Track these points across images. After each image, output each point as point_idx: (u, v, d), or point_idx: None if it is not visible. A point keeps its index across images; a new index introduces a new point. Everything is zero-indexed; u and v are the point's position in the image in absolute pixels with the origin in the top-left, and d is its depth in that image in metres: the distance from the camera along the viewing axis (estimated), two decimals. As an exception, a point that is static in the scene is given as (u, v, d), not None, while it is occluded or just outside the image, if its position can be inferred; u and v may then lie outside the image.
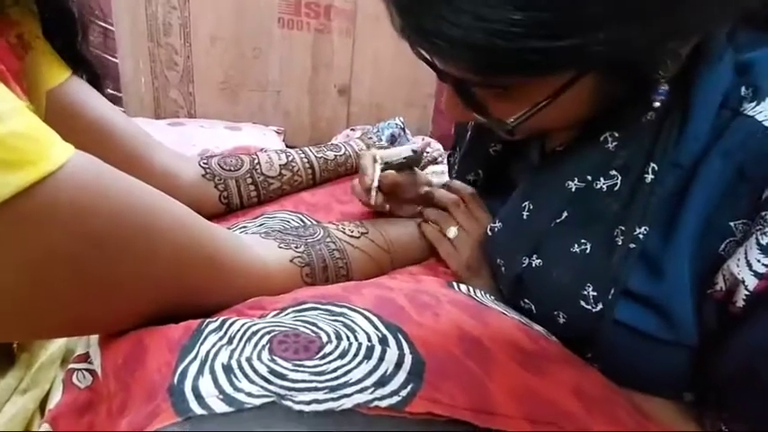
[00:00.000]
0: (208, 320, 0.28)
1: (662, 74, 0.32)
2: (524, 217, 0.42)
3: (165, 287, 0.30)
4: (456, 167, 0.55)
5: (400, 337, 0.28)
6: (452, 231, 0.48)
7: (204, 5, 1.57)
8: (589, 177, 0.37)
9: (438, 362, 0.26)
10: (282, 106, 1.72)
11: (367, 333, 0.27)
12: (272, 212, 0.55)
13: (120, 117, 0.49)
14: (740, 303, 0.30)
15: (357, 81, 1.76)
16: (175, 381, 0.24)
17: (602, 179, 0.37)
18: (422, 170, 0.64)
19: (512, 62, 0.27)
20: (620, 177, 0.36)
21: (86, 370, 0.37)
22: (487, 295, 0.42)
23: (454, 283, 0.43)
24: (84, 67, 0.46)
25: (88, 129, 0.45)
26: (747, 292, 0.29)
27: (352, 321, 0.28)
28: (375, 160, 0.51)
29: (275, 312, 0.30)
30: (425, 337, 0.28)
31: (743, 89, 0.32)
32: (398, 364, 0.25)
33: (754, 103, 0.31)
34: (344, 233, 0.46)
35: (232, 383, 0.23)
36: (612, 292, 0.34)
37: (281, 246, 0.40)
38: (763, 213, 0.29)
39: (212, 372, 0.23)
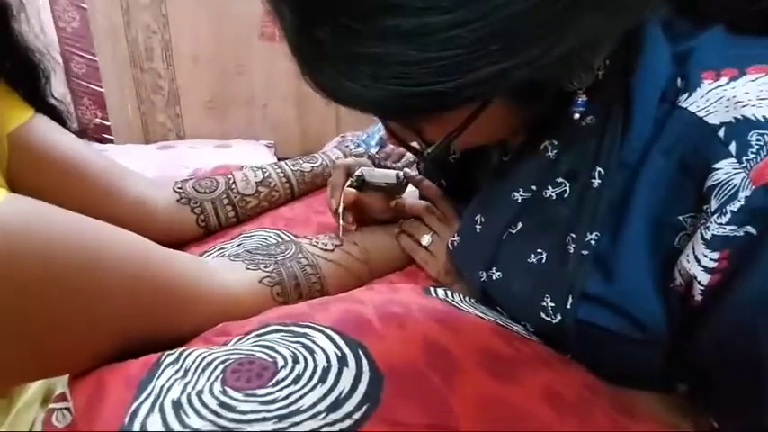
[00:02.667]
0: (167, 353, 0.28)
1: (576, 85, 0.31)
2: (477, 230, 0.41)
3: (122, 323, 0.29)
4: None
5: (361, 353, 0.27)
6: (426, 239, 0.48)
7: (183, 27, 1.58)
8: (534, 187, 0.37)
9: (398, 378, 0.25)
10: (270, 119, 1.72)
11: (326, 353, 0.27)
12: (250, 231, 0.55)
13: (88, 151, 0.48)
14: (698, 297, 0.29)
15: (343, 87, 1.75)
16: (127, 420, 0.23)
17: (550, 187, 0.36)
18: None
19: (401, 109, 0.28)
20: (568, 184, 0.35)
21: (65, 409, 0.36)
22: (467, 298, 0.42)
23: (431, 289, 0.42)
24: (48, 112, 0.46)
25: (55, 167, 0.45)
26: (702, 287, 0.28)
27: (313, 341, 0.28)
28: (348, 177, 0.49)
29: (238, 338, 0.30)
30: (388, 351, 0.28)
31: (678, 81, 0.31)
32: (354, 385, 0.24)
33: (686, 95, 0.30)
34: (318, 247, 0.45)
35: (181, 420, 0.22)
36: (570, 301, 0.33)
37: (250, 267, 0.39)
38: (705, 207, 0.28)
39: (162, 409, 0.23)
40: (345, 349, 0.27)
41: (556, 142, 0.36)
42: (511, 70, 0.25)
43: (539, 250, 0.36)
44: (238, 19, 1.59)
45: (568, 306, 0.33)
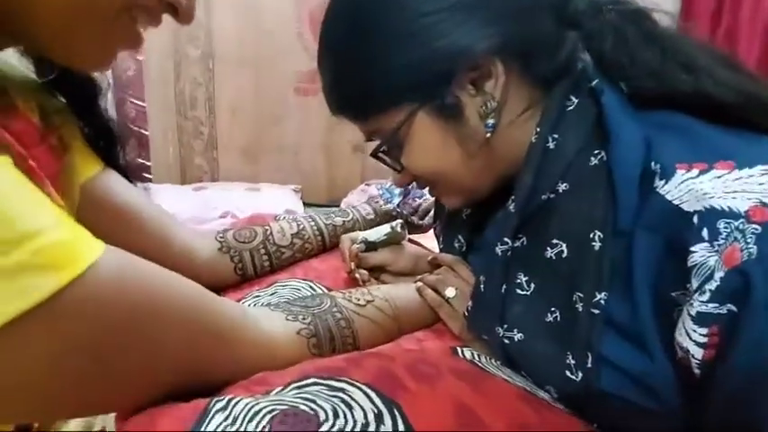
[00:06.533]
0: (216, 399, 0.30)
1: (485, 110, 0.41)
2: (482, 290, 0.44)
3: (175, 366, 0.32)
4: (441, 237, 0.58)
5: (396, 412, 0.29)
6: (450, 291, 0.50)
7: (227, 80, 1.71)
8: (506, 239, 0.41)
9: (431, 438, 0.27)
10: (300, 166, 1.81)
11: (364, 409, 0.29)
12: (284, 281, 0.57)
13: (145, 202, 0.53)
14: (696, 371, 0.30)
15: (370, 139, 1.84)
16: (181, 463, 0.25)
17: (548, 249, 0.39)
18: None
19: (346, 108, 0.45)
20: (564, 244, 0.38)
21: (104, 446, 0.38)
22: (492, 361, 0.43)
23: (458, 349, 0.43)
24: (118, 171, 0.51)
25: (117, 216, 0.50)
26: (697, 361, 0.30)
27: (350, 397, 0.30)
28: (353, 242, 0.57)
29: (279, 389, 0.32)
30: (421, 411, 0.29)
31: (652, 164, 0.35)
32: (391, 443, 0.26)
33: (663, 182, 0.34)
34: (351, 302, 0.47)
35: (233, 466, 0.24)
36: (590, 360, 0.35)
37: (289, 318, 0.42)
38: (688, 285, 0.31)
39: (215, 454, 0.25)
40: (381, 407, 0.29)
41: (513, 197, 0.41)
42: (392, 73, 0.40)
43: (552, 309, 0.38)
44: (277, 75, 1.71)
45: (589, 365, 0.35)
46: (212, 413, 0.29)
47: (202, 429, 0.28)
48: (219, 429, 0.27)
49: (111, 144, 0.50)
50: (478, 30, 0.38)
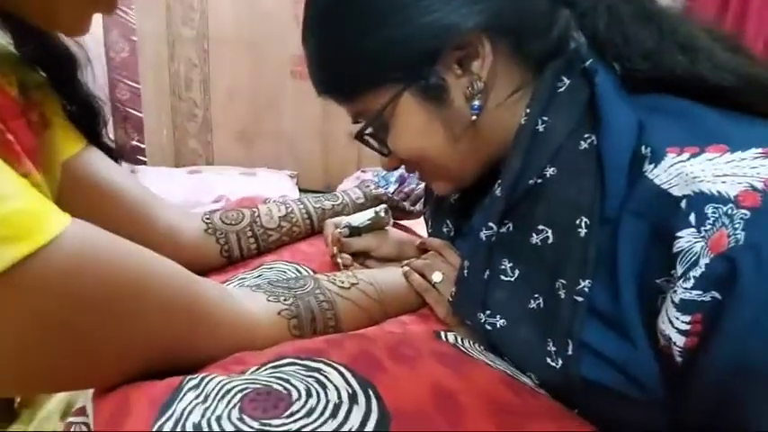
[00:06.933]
0: (189, 377, 0.30)
1: (470, 91, 0.39)
2: (465, 275, 0.43)
3: (152, 344, 0.31)
4: (430, 222, 0.57)
5: (371, 393, 0.28)
6: (437, 276, 0.49)
7: (223, 62, 1.69)
8: (491, 224, 0.40)
9: (405, 419, 0.26)
10: (295, 152, 1.79)
11: (338, 389, 0.28)
12: (270, 263, 0.57)
13: (129, 181, 0.52)
14: (678, 359, 0.30)
15: (367, 126, 1.82)
16: (150, 439, 0.25)
17: (534, 234, 0.38)
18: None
19: (331, 87, 0.44)
20: (549, 231, 0.37)
21: (83, 423, 0.38)
22: (476, 345, 0.43)
23: (442, 333, 0.43)
24: (103, 151, 0.50)
25: (99, 195, 0.48)
26: (679, 349, 0.29)
27: (326, 377, 0.29)
28: (336, 228, 0.57)
29: (255, 368, 0.32)
30: (397, 393, 0.29)
31: (643, 147, 0.34)
32: (363, 423, 0.25)
33: (652, 166, 0.33)
34: (335, 284, 0.47)
35: (200, 443, 0.24)
36: (570, 347, 0.34)
37: (270, 299, 0.41)
38: (672, 272, 0.30)
39: (183, 431, 0.24)
40: (356, 387, 0.29)
41: (500, 181, 0.40)
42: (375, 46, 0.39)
43: (536, 295, 0.38)
44: (273, 58, 1.69)
45: (569, 352, 0.34)
46: (185, 390, 0.28)
47: (174, 406, 0.27)
48: (190, 407, 0.27)
49: (92, 121, 0.49)
50: (467, 6, 0.37)
